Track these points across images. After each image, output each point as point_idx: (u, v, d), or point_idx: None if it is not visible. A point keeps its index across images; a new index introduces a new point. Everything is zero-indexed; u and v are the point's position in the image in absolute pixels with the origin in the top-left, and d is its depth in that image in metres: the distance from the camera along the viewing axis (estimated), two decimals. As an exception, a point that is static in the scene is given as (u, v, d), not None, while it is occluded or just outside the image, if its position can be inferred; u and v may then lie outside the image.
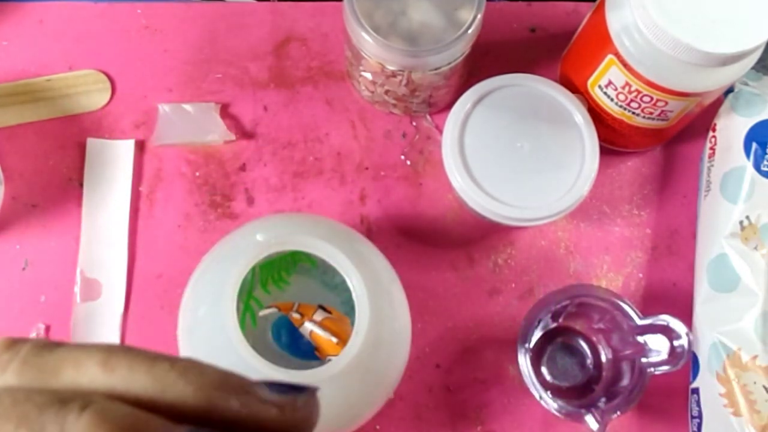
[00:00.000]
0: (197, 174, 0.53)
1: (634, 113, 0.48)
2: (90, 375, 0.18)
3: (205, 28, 0.56)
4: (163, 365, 0.18)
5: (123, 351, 0.19)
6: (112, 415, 0.17)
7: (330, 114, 0.55)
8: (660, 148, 0.55)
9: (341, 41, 0.53)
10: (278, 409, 0.19)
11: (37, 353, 0.19)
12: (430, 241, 0.53)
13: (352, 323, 0.39)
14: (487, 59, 0.55)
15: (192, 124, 0.53)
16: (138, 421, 0.17)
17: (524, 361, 0.47)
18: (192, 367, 0.19)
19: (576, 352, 0.51)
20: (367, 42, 0.45)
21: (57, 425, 0.16)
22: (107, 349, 0.19)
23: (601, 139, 0.49)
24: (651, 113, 0.47)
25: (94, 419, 0.16)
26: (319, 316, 0.44)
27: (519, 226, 0.51)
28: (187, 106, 0.53)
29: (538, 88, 0.50)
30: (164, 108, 0.53)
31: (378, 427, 0.50)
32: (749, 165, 0.48)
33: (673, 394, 0.50)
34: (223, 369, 0.19)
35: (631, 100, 0.47)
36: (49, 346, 0.19)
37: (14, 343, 0.19)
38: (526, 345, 0.47)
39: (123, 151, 0.53)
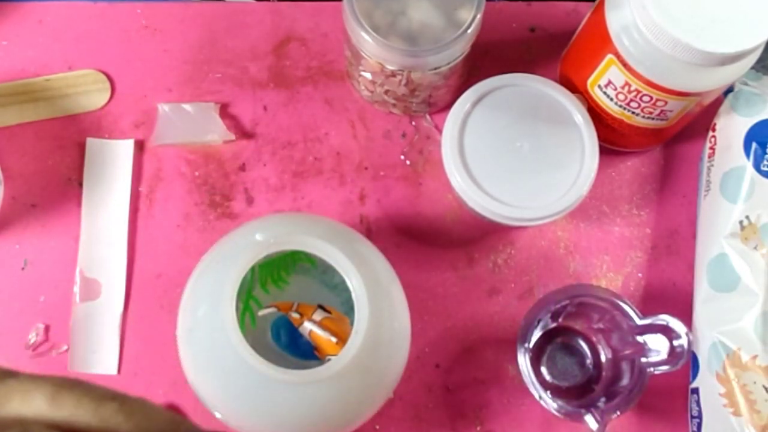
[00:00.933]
0: (197, 174, 0.53)
1: (633, 113, 0.48)
2: (36, 407, 0.18)
3: (205, 28, 0.56)
4: (111, 405, 0.19)
5: (72, 386, 0.19)
6: None
7: (329, 114, 0.55)
8: (660, 148, 0.55)
9: (341, 41, 0.53)
10: None
11: None
12: (430, 241, 0.53)
13: (352, 323, 0.39)
14: (486, 59, 0.55)
15: (191, 124, 0.53)
16: None
17: (524, 361, 0.47)
18: (141, 410, 0.19)
19: (575, 352, 0.51)
20: (366, 42, 0.45)
21: None
22: (57, 384, 0.19)
23: (601, 139, 0.49)
24: (651, 113, 0.47)
25: None
26: (318, 315, 0.44)
27: (519, 226, 0.51)
28: (187, 106, 0.53)
29: (537, 88, 0.50)
30: (164, 108, 0.53)
31: (377, 426, 0.50)
32: (749, 165, 0.48)
33: (673, 394, 0.50)
34: (173, 414, 0.19)
35: (631, 100, 0.47)
36: (1, 375, 0.19)
37: None
38: (526, 345, 0.47)
39: (122, 150, 0.53)
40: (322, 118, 0.55)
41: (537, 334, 0.50)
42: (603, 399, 0.47)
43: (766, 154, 0.48)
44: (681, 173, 0.55)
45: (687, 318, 0.50)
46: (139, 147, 0.54)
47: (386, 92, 0.51)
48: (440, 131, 0.51)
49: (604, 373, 0.50)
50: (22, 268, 0.51)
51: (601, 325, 0.50)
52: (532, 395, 0.46)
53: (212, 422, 0.48)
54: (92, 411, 0.18)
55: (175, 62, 0.55)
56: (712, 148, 0.52)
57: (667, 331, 0.44)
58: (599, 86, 0.48)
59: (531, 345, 0.48)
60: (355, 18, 0.45)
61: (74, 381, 0.19)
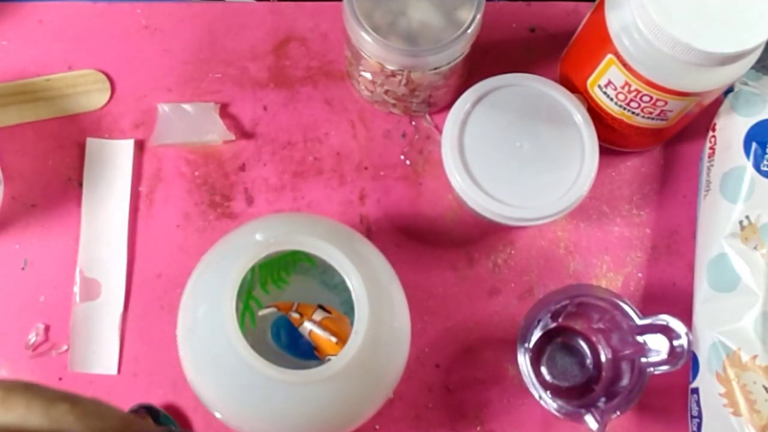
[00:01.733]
0: (196, 174, 0.53)
1: (633, 113, 0.48)
2: None
3: (205, 28, 0.56)
4: (62, 407, 0.19)
5: (22, 389, 0.19)
6: None
7: (330, 114, 0.55)
8: (660, 147, 0.55)
9: (341, 41, 0.53)
10: None
11: None
12: (430, 241, 0.53)
13: (352, 323, 0.39)
14: (486, 59, 0.55)
15: (191, 124, 0.53)
16: None
17: (524, 361, 0.47)
18: (93, 412, 0.19)
19: (576, 352, 0.51)
20: (366, 42, 0.45)
21: None
22: (6, 387, 0.19)
23: (601, 138, 0.49)
24: (651, 113, 0.47)
25: None
26: (318, 315, 0.44)
27: (519, 226, 0.51)
28: (187, 106, 0.53)
29: (537, 88, 0.50)
30: (164, 108, 0.53)
31: (377, 426, 0.50)
32: (749, 165, 0.48)
33: (673, 394, 0.50)
34: (125, 414, 0.19)
35: (631, 100, 0.47)
36: None
37: None
38: (526, 345, 0.47)
39: (122, 150, 0.53)
40: (322, 118, 0.55)
41: (537, 334, 0.50)
42: (603, 399, 0.47)
43: (766, 154, 0.48)
44: (681, 173, 0.55)
45: (687, 318, 0.50)
46: (139, 147, 0.54)
47: (386, 92, 0.51)
48: (440, 131, 0.51)
49: (604, 373, 0.50)
50: (22, 268, 0.51)
51: (601, 325, 0.50)
52: (532, 395, 0.46)
53: (212, 422, 0.48)
54: (43, 413, 0.18)
55: (175, 62, 0.55)
56: (712, 148, 0.52)
57: (667, 331, 0.44)
58: (599, 86, 0.48)
59: (531, 345, 0.48)
60: (355, 18, 0.45)
61: (24, 384, 0.19)
